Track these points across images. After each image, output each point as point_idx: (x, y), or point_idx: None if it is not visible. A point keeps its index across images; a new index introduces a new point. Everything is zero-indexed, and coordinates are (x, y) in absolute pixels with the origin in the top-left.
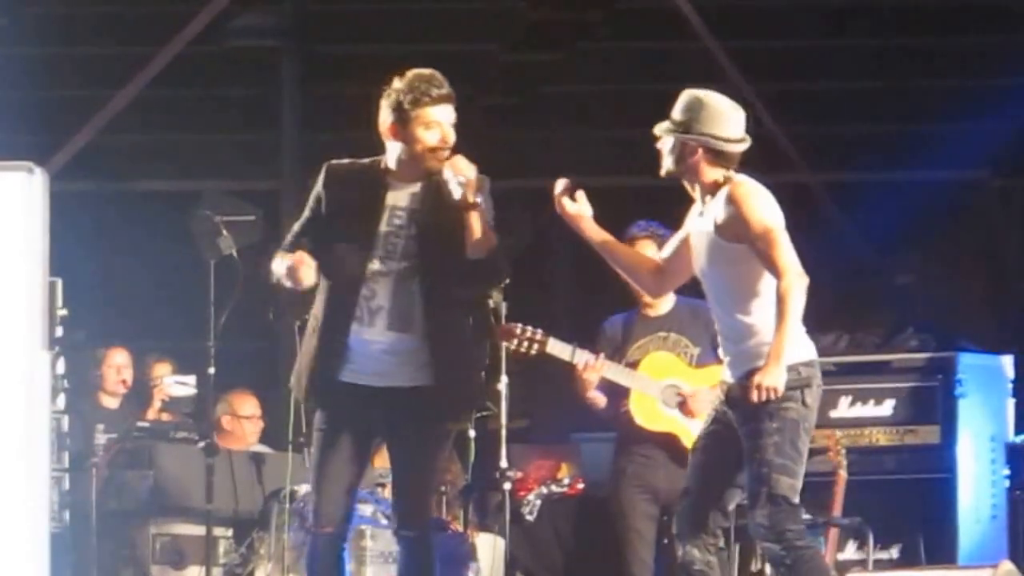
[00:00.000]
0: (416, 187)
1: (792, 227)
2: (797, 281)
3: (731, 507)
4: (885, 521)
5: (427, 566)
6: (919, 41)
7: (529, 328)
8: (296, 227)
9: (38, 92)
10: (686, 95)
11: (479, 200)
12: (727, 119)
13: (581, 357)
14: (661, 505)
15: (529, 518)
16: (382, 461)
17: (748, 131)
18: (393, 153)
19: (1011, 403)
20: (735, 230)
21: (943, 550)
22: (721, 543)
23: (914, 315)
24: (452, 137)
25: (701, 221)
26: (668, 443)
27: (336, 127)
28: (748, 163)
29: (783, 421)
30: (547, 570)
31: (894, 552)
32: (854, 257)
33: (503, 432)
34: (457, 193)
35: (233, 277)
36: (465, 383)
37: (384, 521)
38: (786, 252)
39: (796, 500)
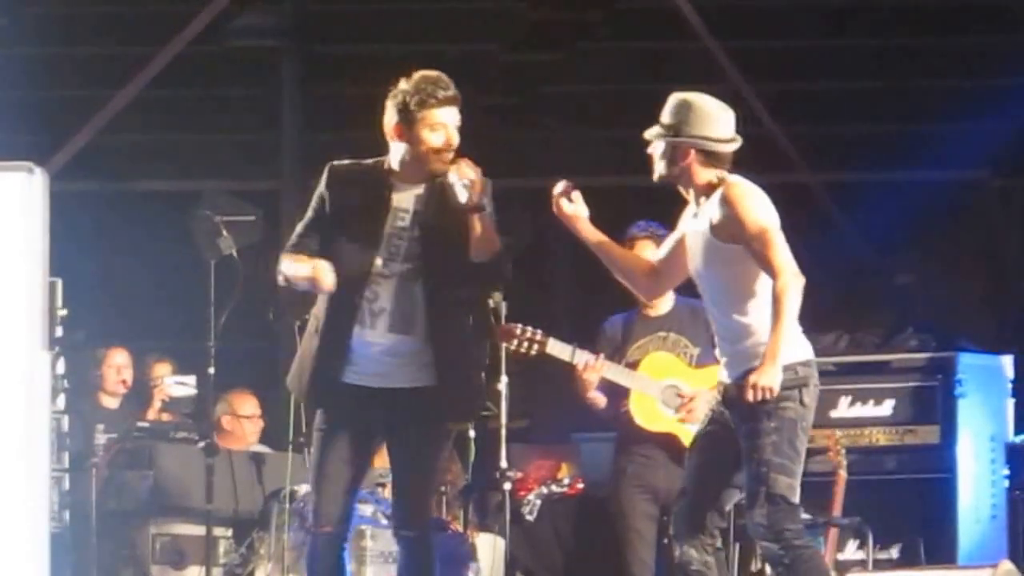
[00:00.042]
0: (420, 189)
1: (792, 227)
2: (793, 281)
3: (728, 507)
4: (885, 521)
5: (427, 566)
6: (919, 41)
7: (529, 328)
8: (300, 228)
9: (38, 92)
10: (674, 98)
11: (484, 203)
12: (717, 120)
13: (581, 357)
14: (661, 505)
15: (529, 518)
16: (382, 461)
17: (743, 131)
18: (397, 154)
19: (1011, 403)
20: (730, 231)
21: (943, 550)
22: (719, 543)
23: (914, 315)
24: (457, 139)
25: (696, 222)
26: (668, 443)
27: (336, 127)
28: (748, 163)
29: (781, 420)
30: (547, 570)
31: (894, 552)
32: (854, 257)
33: (503, 432)
34: (463, 196)
35: (233, 277)
36: (466, 384)
37: (384, 521)
38: (782, 252)
39: (795, 499)
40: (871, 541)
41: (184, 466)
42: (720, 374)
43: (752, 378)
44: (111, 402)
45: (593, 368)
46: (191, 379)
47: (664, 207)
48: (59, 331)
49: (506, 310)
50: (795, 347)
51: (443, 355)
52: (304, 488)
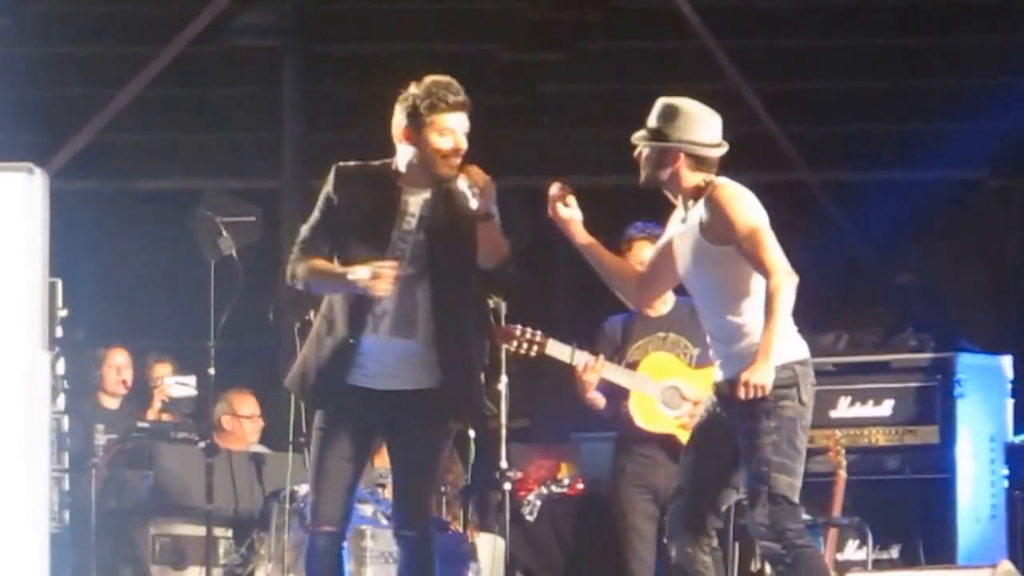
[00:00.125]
0: (427, 193)
1: (791, 227)
2: (786, 279)
3: (725, 507)
4: (885, 521)
5: (427, 566)
6: (919, 41)
7: (529, 329)
8: (307, 230)
9: (38, 92)
10: (661, 103)
11: (494, 210)
12: (704, 124)
13: (580, 358)
14: (661, 505)
15: (529, 518)
16: (382, 461)
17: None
18: (404, 157)
19: (1010, 403)
20: (721, 232)
21: (942, 550)
22: (715, 543)
23: (914, 315)
24: (464, 145)
25: (685, 226)
26: (668, 443)
27: (336, 127)
28: (748, 163)
29: (780, 420)
30: (547, 570)
31: (894, 552)
32: (854, 257)
33: (503, 432)
34: (474, 204)
35: (233, 277)
36: (467, 385)
37: (384, 521)
38: (773, 251)
39: (796, 499)
40: (871, 541)
41: (184, 466)
42: (715, 374)
43: (744, 376)
44: (111, 402)
45: (592, 369)
46: (191, 379)
47: (663, 208)
48: (59, 331)
49: (506, 310)
50: (791, 346)
51: (446, 357)
52: (304, 488)
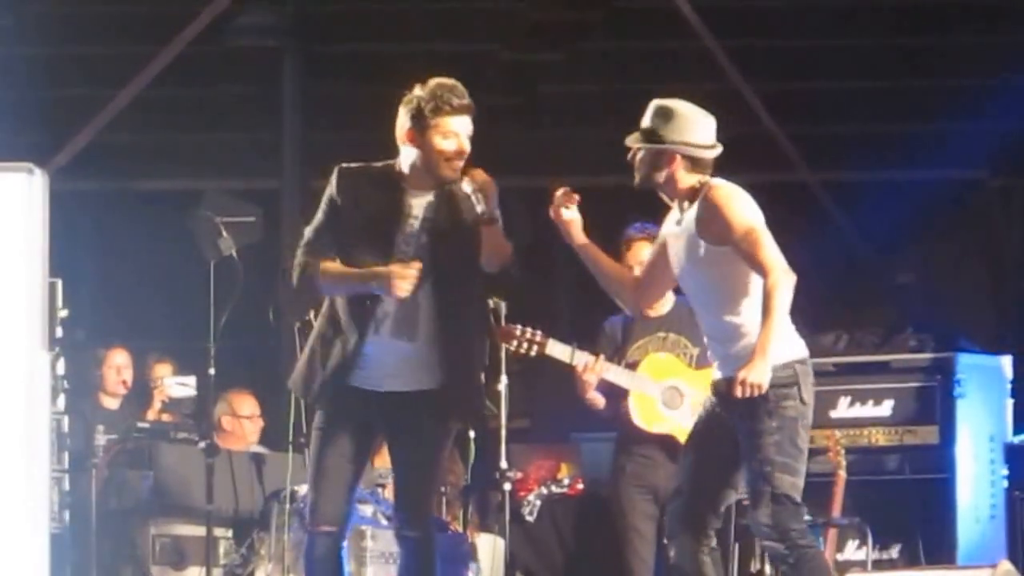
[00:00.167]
0: (430, 196)
1: (792, 227)
2: (784, 278)
3: (723, 507)
4: (884, 521)
5: (428, 567)
6: (919, 41)
7: (529, 329)
8: (311, 232)
9: (38, 92)
10: (655, 105)
11: (498, 214)
12: (700, 125)
13: (580, 358)
14: (661, 505)
15: (529, 518)
16: (382, 461)
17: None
18: (408, 159)
19: (1010, 403)
20: (717, 233)
21: (942, 550)
22: (714, 543)
23: (914, 315)
24: (468, 148)
25: (680, 227)
26: (668, 443)
27: (336, 126)
28: (748, 163)
29: (782, 419)
30: (547, 570)
31: (893, 552)
32: (854, 257)
33: (503, 432)
34: (479, 208)
35: (233, 277)
36: (467, 385)
37: (384, 521)
38: (770, 250)
39: (798, 498)
40: (871, 541)
41: (184, 466)
42: (714, 373)
43: (741, 374)
44: (111, 402)
45: (592, 369)
46: (191, 379)
47: (663, 208)
48: (59, 331)
49: (506, 310)
50: (790, 345)
51: (447, 358)
52: (304, 488)
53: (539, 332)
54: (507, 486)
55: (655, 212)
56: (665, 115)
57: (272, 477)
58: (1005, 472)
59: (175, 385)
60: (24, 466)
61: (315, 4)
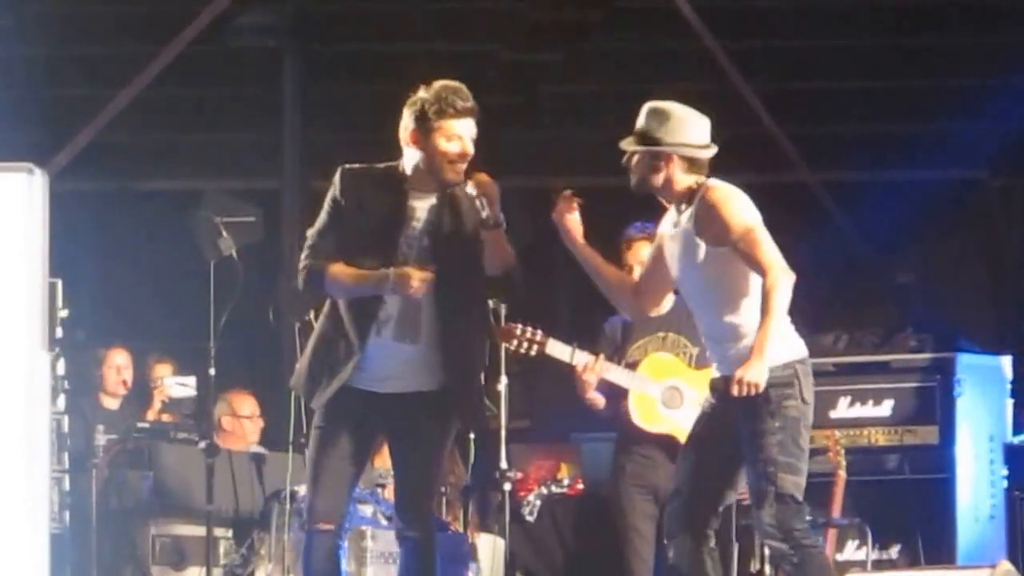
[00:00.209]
0: (433, 198)
1: (791, 227)
2: (783, 277)
3: (722, 507)
4: (884, 521)
5: (429, 568)
6: (919, 41)
7: (529, 328)
8: (315, 234)
9: (38, 92)
10: (649, 108)
11: (502, 219)
12: (695, 126)
13: (580, 358)
14: (661, 504)
15: (529, 518)
16: (382, 461)
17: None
18: (411, 160)
19: (1010, 403)
20: (715, 233)
21: (942, 550)
22: (713, 542)
23: (914, 315)
24: (471, 150)
25: (677, 229)
26: (668, 443)
27: (336, 126)
28: (748, 163)
29: (785, 419)
30: (547, 570)
31: (893, 552)
32: (854, 257)
33: (503, 432)
34: (484, 213)
35: (233, 277)
36: (468, 386)
37: (384, 521)
38: (769, 249)
39: (801, 498)
40: (870, 541)
41: (184, 466)
42: (713, 373)
43: (738, 373)
44: (111, 402)
45: (592, 369)
46: (191, 380)
47: (662, 208)
48: (59, 331)
49: (506, 310)
50: (791, 345)
51: (449, 360)
52: (305, 488)
53: (539, 331)
54: (507, 486)
55: (655, 212)
56: (660, 117)
57: (272, 477)
58: (1005, 472)
59: (175, 385)
60: (24, 466)
61: (315, 4)
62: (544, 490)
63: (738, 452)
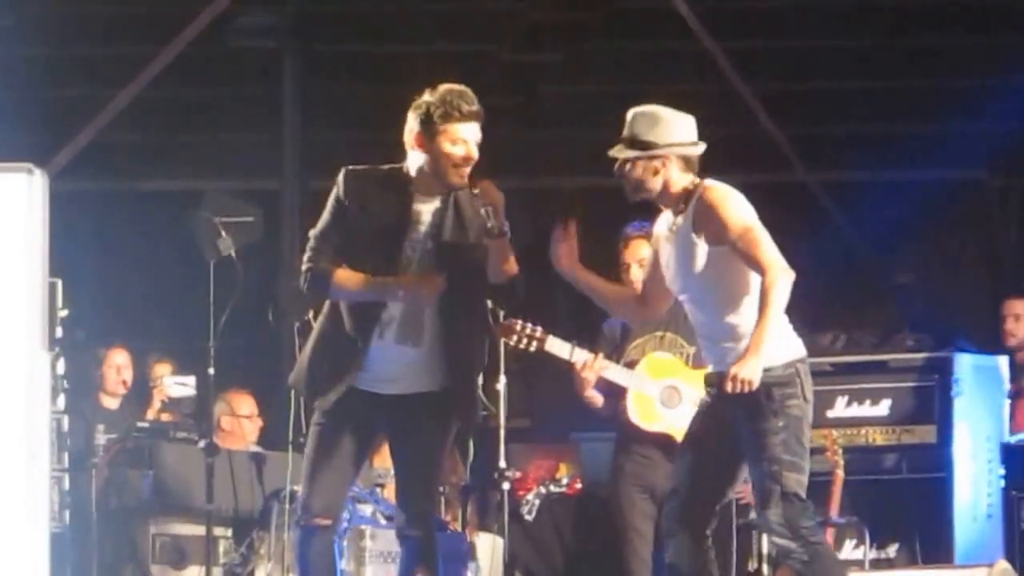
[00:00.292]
0: (437, 202)
1: (790, 227)
2: (782, 275)
3: (720, 506)
4: (882, 520)
5: (431, 566)
6: (919, 41)
7: (529, 325)
8: (319, 237)
9: (38, 92)
10: (637, 113)
11: (507, 228)
12: (683, 125)
13: (579, 356)
14: (659, 504)
15: (528, 518)
16: (382, 461)
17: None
18: (415, 163)
19: (1007, 403)
20: (714, 233)
21: (940, 549)
22: (710, 541)
23: (912, 315)
24: (476, 154)
25: (674, 231)
26: (667, 443)
27: (336, 126)
28: (748, 163)
29: (788, 418)
30: (547, 569)
31: (891, 551)
32: (854, 257)
33: (502, 432)
34: (491, 222)
35: (233, 277)
36: (467, 387)
37: (384, 521)
38: (768, 248)
39: (804, 496)
40: (868, 540)
41: (184, 466)
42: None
43: (733, 369)
44: (111, 402)
45: (591, 367)
46: (191, 379)
47: (659, 208)
48: (59, 331)
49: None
50: (791, 344)
51: (451, 363)
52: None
53: (539, 328)
54: (506, 485)
55: (654, 211)
56: (649, 120)
57: (272, 477)
58: (1002, 472)
59: (175, 385)
60: (24, 466)
61: (315, 4)
62: (543, 489)
63: (736, 451)
